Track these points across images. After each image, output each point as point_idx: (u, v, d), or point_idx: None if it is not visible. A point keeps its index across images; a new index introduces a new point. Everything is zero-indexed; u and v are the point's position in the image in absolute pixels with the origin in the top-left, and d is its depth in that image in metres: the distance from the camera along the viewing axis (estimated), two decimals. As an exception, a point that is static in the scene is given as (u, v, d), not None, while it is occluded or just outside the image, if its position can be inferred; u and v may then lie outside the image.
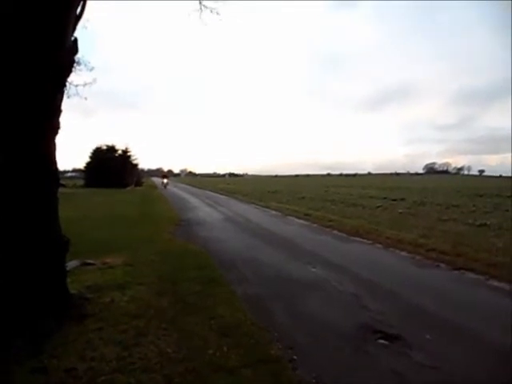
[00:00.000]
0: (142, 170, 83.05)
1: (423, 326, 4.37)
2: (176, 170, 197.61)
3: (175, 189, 45.60)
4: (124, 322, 4.23)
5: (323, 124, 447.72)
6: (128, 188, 47.30)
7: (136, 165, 56.78)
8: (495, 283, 6.09)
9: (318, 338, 4.08)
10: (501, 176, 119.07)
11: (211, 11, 7.87)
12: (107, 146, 51.38)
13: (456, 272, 6.79)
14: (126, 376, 3.13)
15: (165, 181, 46.50)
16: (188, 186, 53.00)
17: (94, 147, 51.10)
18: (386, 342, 3.96)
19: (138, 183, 58.60)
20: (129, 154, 52.81)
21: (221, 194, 33.92)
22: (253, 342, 3.85)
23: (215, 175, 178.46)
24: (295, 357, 3.62)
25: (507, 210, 16.44)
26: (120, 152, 52.06)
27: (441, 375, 3.31)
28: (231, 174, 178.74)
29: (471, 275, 6.57)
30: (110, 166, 47.34)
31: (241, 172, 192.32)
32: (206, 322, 4.32)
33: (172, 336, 3.94)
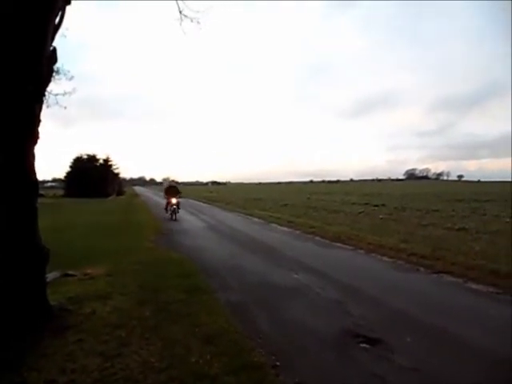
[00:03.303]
0: (124, 179, 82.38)
1: (404, 329, 4.45)
2: (158, 179, 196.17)
3: (157, 197, 45.11)
4: (106, 333, 4.18)
5: (306, 131, 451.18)
6: (110, 197, 46.80)
7: (117, 174, 56.50)
8: (473, 285, 6.24)
9: (300, 343, 4.11)
10: (479, 181, 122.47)
11: (191, 21, 7.87)
12: (88, 155, 51.01)
13: (435, 275, 6.94)
14: (108, 387, 3.10)
15: (173, 201, 18.33)
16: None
17: (74, 157, 50.57)
18: (367, 346, 4.01)
19: (120, 192, 58.12)
20: (110, 163, 52.56)
21: (204, 202, 33.82)
22: (236, 349, 3.85)
23: (198, 183, 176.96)
24: (278, 363, 3.63)
25: (485, 215, 16.93)
26: (101, 161, 51.70)
27: (421, 377, 3.37)
28: (214, 183, 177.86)
29: (450, 278, 6.72)
30: (91, 175, 46.88)
31: (224, 180, 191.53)
32: (189, 330, 4.31)
33: (155, 345, 3.91)
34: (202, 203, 32.46)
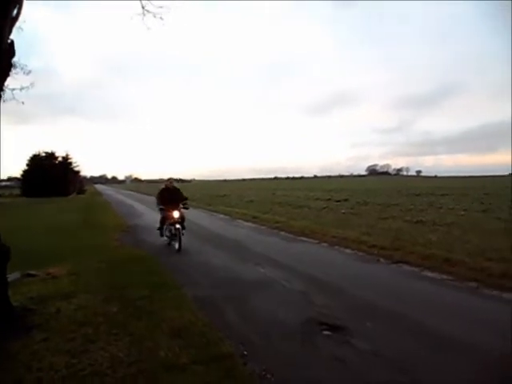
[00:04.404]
0: (85, 178, 79.98)
1: (365, 316, 4.67)
2: (121, 177, 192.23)
3: (120, 195, 44.24)
4: (72, 331, 4.15)
5: (270, 129, 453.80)
6: (70, 196, 45.44)
7: (78, 172, 54.66)
8: (429, 274, 6.63)
9: (267, 333, 4.24)
10: (436, 176, 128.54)
11: (154, 16, 7.77)
12: (46, 152, 49.05)
13: (394, 265, 7.29)
14: (77, 382, 3.11)
15: (175, 215, 9.34)
16: (134, 193, 51.65)
17: (31, 154, 48.61)
18: (330, 333, 4.20)
19: (81, 191, 56.47)
20: (69, 160, 50.81)
21: (168, 199, 33.29)
22: (204, 341, 3.92)
23: (161, 181, 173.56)
24: (246, 352, 3.75)
25: (441, 208, 17.80)
26: (60, 159, 49.89)
27: (380, 359, 3.57)
28: (179, 180, 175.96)
29: (407, 267, 7.10)
30: (50, 173, 45.20)
31: (188, 177, 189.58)
32: (157, 325, 4.34)
33: (123, 340, 3.92)
34: (166, 201, 32.00)
